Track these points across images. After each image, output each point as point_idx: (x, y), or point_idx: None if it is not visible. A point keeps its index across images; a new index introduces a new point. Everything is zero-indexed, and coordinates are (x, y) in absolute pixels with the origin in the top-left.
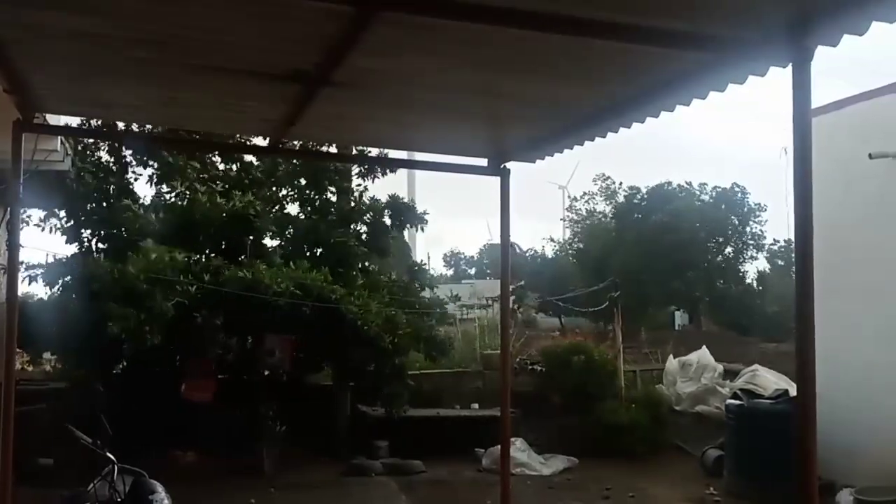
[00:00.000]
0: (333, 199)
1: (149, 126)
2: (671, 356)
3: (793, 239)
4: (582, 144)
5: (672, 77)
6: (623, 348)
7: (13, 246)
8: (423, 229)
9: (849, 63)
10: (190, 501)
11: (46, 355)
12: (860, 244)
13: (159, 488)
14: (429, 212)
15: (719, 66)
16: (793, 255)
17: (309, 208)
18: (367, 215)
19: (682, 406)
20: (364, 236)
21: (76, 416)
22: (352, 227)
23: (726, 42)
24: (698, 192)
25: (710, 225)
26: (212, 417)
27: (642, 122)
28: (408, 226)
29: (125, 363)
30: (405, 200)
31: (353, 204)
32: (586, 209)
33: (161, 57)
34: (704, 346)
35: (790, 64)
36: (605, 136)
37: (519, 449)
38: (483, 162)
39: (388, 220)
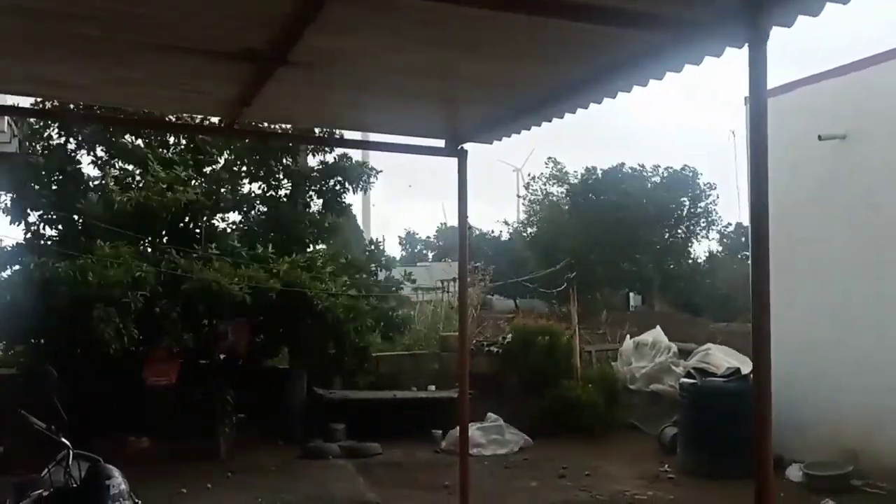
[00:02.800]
0: (285, 181)
1: (97, 106)
2: (626, 336)
3: (743, 222)
4: (539, 125)
5: (628, 58)
6: (579, 329)
7: None
8: (369, 185)
9: (798, 50)
10: (146, 486)
11: None
12: (810, 224)
13: (116, 473)
14: (379, 171)
15: (675, 47)
16: (743, 237)
17: (263, 185)
18: (320, 182)
19: (637, 385)
20: (319, 214)
21: (29, 403)
22: (306, 201)
23: (683, 23)
24: (650, 174)
25: (661, 206)
26: (168, 402)
27: (599, 103)
28: (358, 188)
29: (79, 349)
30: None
31: (303, 177)
32: (541, 192)
33: (110, 34)
34: (658, 326)
35: (746, 44)
36: (562, 117)
37: (477, 429)
38: (440, 143)
39: (338, 185)
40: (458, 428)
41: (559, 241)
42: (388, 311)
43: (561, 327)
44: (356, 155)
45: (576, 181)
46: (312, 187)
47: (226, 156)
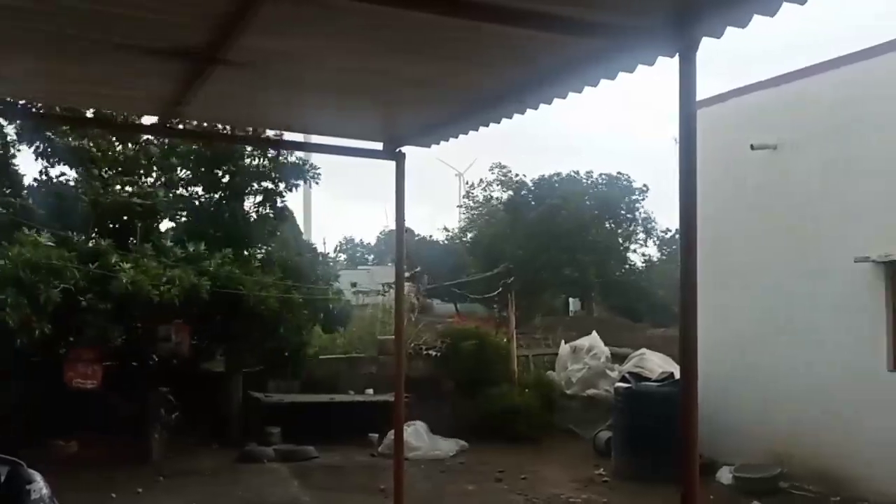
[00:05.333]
0: (225, 179)
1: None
2: (563, 341)
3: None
4: (477, 130)
5: (564, 64)
6: (516, 334)
7: None
8: (316, 182)
9: (729, 62)
10: (73, 491)
11: None
12: (743, 231)
13: (37, 478)
14: (320, 169)
15: (610, 55)
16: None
17: (202, 187)
18: (257, 182)
19: (573, 390)
20: (258, 216)
21: None
22: (244, 202)
23: (616, 30)
24: (587, 181)
25: (599, 212)
26: (97, 405)
27: (535, 109)
28: (297, 185)
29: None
30: (294, 160)
31: (240, 178)
32: (483, 197)
33: (41, 29)
34: (595, 332)
35: (677, 53)
36: (499, 122)
37: (413, 433)
38: (378, 146)
39: (278, 185)
40: (393, 431)
41: (500, 246)
42: (327, 305)
43: (493, 331)
44: (297, 154)
45: (517, 186)
46: (251, 187)
47: (158, 155)
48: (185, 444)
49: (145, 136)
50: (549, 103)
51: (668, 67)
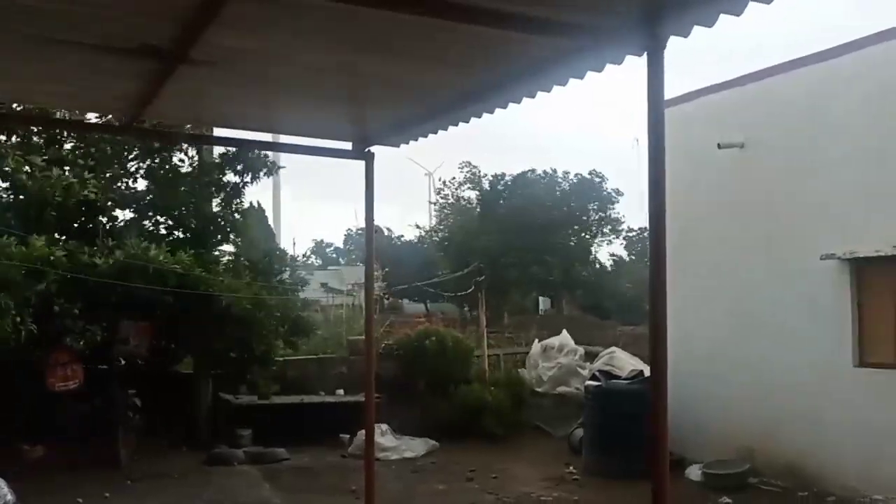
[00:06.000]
0: (183, 168)
1: None
2: (536, 340)
3: (647, 226)
4: (446, 129)
5: (533, 63)
6: (487, 332)
7: None
8: (275, 173)
9: (697, 62)
10: (39, 497)
11: None
12: (711, 229)
13: (2, 484)
14: (279, 163)
15: (578, 54)
16: (647, 241)
17: (158, 180)
18: (217, 174)
19: (544, 388)
20: (225, 214)
21: None
22: (210, 199)
23: (584, 29)
24: (559, 180)
25: (569, 211)
26: (63, 409)
27: (505, 108)
28: (258, 175)
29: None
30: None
31: (193, 168)
32: (452, 196)
33: (3, 27)
34: (565, 330)
35: (645, 52)
36: (468, 122)
37: (383, 433)
38: (347, 145)
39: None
40: (363, 432)
41: (470, 245)
42: (294, 314)
43: (463, 330)
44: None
45: (487, 186)
46: (213, 181)
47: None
48: (153, 447)
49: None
50: (519, 102)
51: (636, 66)
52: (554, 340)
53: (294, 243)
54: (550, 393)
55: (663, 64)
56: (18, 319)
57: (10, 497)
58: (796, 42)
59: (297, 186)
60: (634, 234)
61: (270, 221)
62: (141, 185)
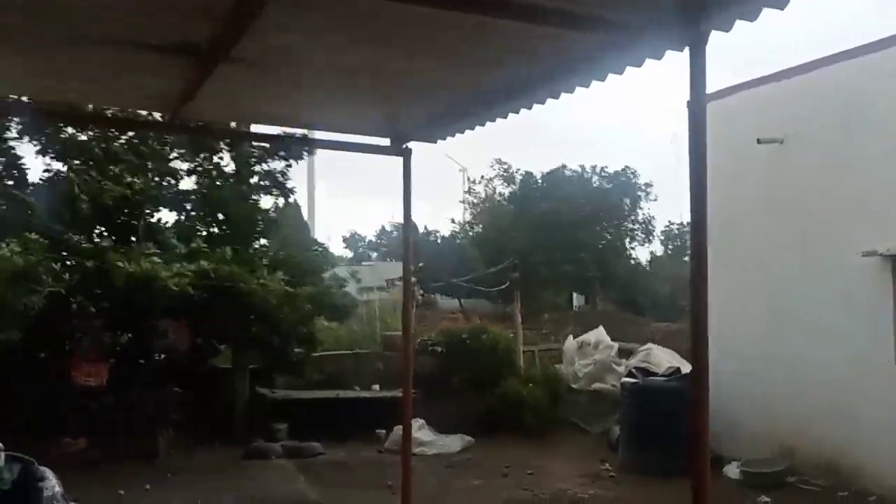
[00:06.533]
0: (227, 168)
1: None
2: (571, 336)
3: (685, 222)
4: (483, 125)
5: (571, 59)
6: (522, 329)
7: None
8: (309, 153)
9: (739, 57)
10: (82, 489)
11: None
12: (750, 226)
13: (49, 475)
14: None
15: (617, 49)
16: (686, 238)
17: (203, 178)
18: (258, 165)
19: (580, 384)
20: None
21: None
22: (249, 185)
23: (624, 25)
24: (591, 176)
25: (602, 207)
26: (104, 403)
27: (542, 104)
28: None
29: (12, 349)
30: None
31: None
32: (485, 192)
33: (45, 28)
34: (601, 326)
35: (686, 47)
36: (506, 117)
37: (419, 429)
38: (385, 141)
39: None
40: (400, 427)
41: (504, 241)
42: (333, 298)
43: (498, 327)
44: (301, 169)
45: (520, 182)
46: (253, 170)
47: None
48: (191, 441)
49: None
50: (557, 98)
51: (674, 60)
52: (589, 337)
53: (329, 239)
54: (586, 389)
55: (705, 59)
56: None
57: (57, 488)
58: (815, 40)
59: (332, 182)
60: (672, 229)
61: (305, 217)
62: (186, 183)
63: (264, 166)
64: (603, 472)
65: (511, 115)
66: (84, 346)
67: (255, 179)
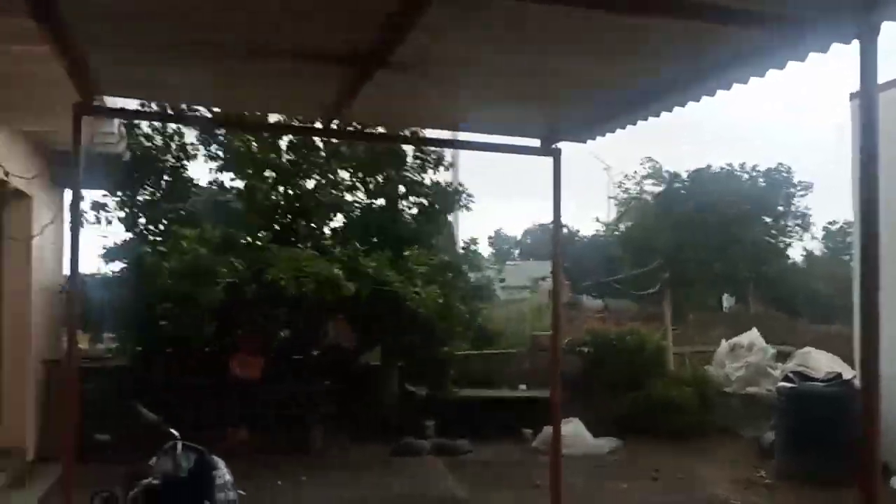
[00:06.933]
0: (386, 184)
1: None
2: (724, 340)
3: (848, 220)
4: (635, 124)
5: (730, 55)
6: (671, 330)
7: (75, 228)
8: (468, 208)
9: None
10: (243, 477)
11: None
12: None
13: (221, 465)
14: (473, 196)
15: (779, 44)
16: (847, 237)
17: (364, 192)
18: (419, 198)
19: (732, 388)
20: (414, 220)
21: (132, 393)
22: (402, 209)
23: (787, 19)
24: (742, 173)
25: (754, 205)
26: (261, 395)
27: (697, 101)
28: (451, 210)
29: (179, 342)
30: (452, 186)
31: (404, 189)
32: (632, 190)
33: (215, 38)
34: (754, 328)
35: (855, 39)
36: (658, 116)
37: (568, 430)
38: (535, 142)
39: (436, 206)
40: (548, 427)
41: (651, 241)
42: (478, 318)
43: (650, 330)
44: (447, 176)
45: (667, 180)
46: (408, 199)
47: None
48: (342, 436)
49: (304, 139)
50: (713, 95)
51: (839, 52)
52: (742, 339)
53: (475, 241)
54: (738, 393)
55: (876, 51)
56: (200, 321)
57: (228, 477)
58: None
59: (475, 183)
60: (833, 227)
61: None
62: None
63: (418, 199)
64: (757, 478)
65: (664, 114)
66: (248, 339)
67: (412, 198)
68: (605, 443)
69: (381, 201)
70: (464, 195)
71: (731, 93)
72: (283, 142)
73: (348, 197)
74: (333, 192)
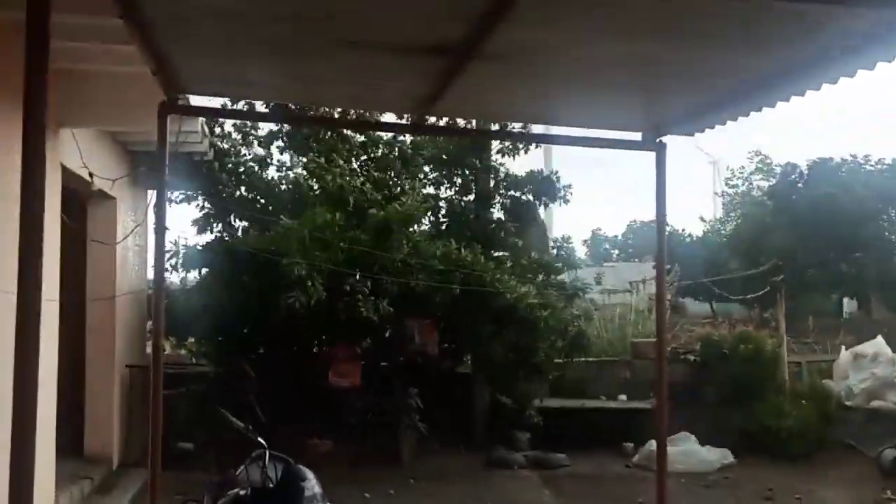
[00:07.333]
0: (472, 178)
1: (288, 104)
2: (843, 347)
3: None
4: (748, 115)
5: (854, 39)
6: (786, 338)
7: (160, 229)
8: (566, 201)
9: None
10: (329, 489)
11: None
12: None
13: (310, 475)
14: (572, 186)
15: None
16: None
17: (450, 187)
18: (509, 191)
19: (855, 401)
20: (504, 215)
21: (217, 400)
22: (493, 205)
23: None
24: (865, 165)
25: (880, 201)
26: (349, 404)
27: (817, 90)
28: (549, 202)
29: (262, 348)
30: (546, 174)
31: (493, 182)
32: (741, 186)
33: (299, 33)
34: (879, 336)
35: None
36: (774, 106)
37: (674, 444)
38: (636, 136)
39: (529, 196)
40: (651, 441)
41: (762, 240)
42: (574, 325)
43: (765, 336)
44: (540, 163)
45: (780, 173)
46: (499, 194)
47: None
48: (432, 447)
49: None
50: (834, 83)
51: None
52: (866, 348)
53: (567, 239)
54: (862, 407)
55: None
56: (310, 284)
57: (317, 489)
58: None
59: (570, 176)
60: None
61: (542, 215)
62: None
63: (509, 193)
64: (884, 500)
65: (780, 104)
66: (344, 346)
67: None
68: (717, 458)
69: (469, 196)
70: (561, 186)
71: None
72: (360, 137)
73: (431, 191)
74: (418, 189)
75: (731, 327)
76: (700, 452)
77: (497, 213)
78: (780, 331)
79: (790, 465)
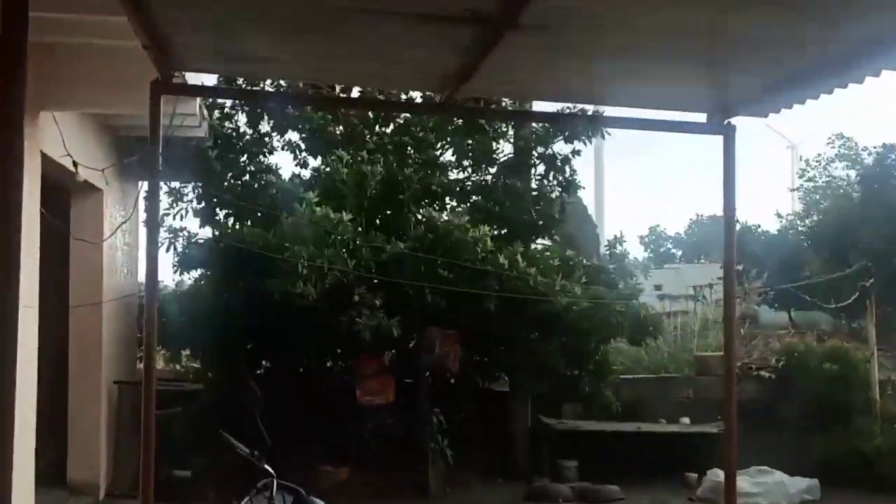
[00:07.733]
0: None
1: (295, 84)
2: None
3: None
4: (830, 93)
5: None
6: (877, 351)
7: (152, 225)
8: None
9: None
10: None
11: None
12: None
13: None
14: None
15: None
16: None
17: (473, 168)
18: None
19: None
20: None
21: (218, 421)
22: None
23: None
24: None
25: None
26: (368, 427)
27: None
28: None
29: (266, 364)
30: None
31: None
32: (822, 175)
33: (314, 2)
34: None
35: None
36: (861, 82)
37: (748, 476)
38: (700, 117)
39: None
40: (718, 471)
41: (848, 239)
42: (635, 313)
43: (852, 349)
44: (588, 154)
45: (870, 161)
46: (532, 156)
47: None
48: (464, 475)
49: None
50: None
51: None
52: None
53: (622, 238)
54: None
55: None
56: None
57: None
58: None
59: (622, 166)
60: None
61: (592, 212)
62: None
63: (546, 150)
64: None
65: (869, 79)
66: (369, 360)
67: (536, 170)
68: (794, 491)
69: (494, 172)
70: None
71: None
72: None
73: (455, 175)
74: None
75: (819, 339)
76: (779, 484)
77: (537, 190)
78: (870, 343)
79: (884, 497)
